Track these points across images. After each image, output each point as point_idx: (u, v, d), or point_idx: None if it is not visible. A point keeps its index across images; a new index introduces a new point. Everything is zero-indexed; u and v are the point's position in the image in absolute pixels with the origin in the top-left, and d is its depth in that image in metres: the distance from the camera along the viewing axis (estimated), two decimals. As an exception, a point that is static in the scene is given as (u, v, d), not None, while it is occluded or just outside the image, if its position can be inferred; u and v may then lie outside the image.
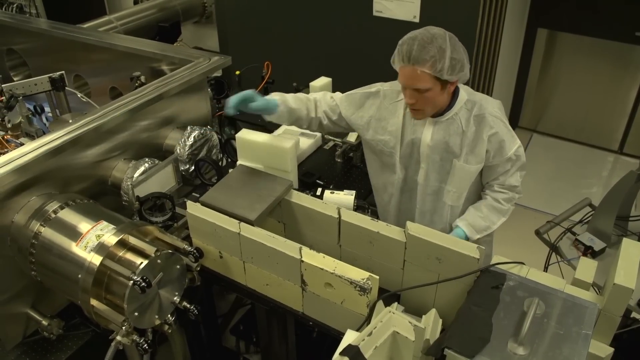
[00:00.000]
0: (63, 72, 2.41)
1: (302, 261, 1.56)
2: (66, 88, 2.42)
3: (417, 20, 3.19)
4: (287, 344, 1.98)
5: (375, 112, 2.04)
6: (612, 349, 1.39)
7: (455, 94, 1.93)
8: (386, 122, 2.02)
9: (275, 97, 2.02)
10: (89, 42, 2.67)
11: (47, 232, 1.65)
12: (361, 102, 2.07)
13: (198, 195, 2.10)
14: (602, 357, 1.38)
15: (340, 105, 2.09)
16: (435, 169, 2.01)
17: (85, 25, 3.45)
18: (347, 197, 1.99)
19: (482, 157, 1.94)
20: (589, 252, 2.23)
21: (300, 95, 2.10)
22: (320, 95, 2.12)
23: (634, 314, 2.06)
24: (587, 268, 1.51)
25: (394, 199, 2.16)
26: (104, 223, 1.63)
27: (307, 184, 2.30)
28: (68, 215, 1.69)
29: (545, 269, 2.34)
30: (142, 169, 1.97)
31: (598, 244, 2.23)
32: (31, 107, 2.44)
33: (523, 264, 1.53)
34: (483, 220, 2.02)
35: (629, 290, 1.31)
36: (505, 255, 1.57)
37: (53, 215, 1.68)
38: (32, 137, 2.32)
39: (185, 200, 1.98)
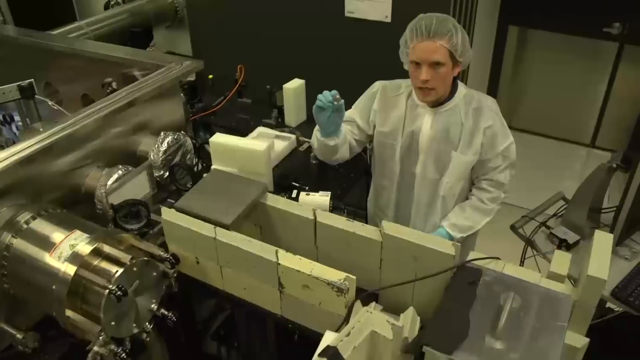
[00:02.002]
0: (32, 80, 2.36)
1: (279, 264, 1.55)
2: (36, 96, 2.37)
3: (388, 20, 3.21)
4: (267, 347, 1.97)
5: (379, 105, 2.11)
6: (587, 339, 1.41)
7: (454, 86, 2.02)
8: (388, 115, 2.10)
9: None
10: (58, 49, 2.63)
11: (19, 244, 1.62)
12: (368, 104, 2.14)
13: (173, 201, 2.07)
14: (578, 347, 1.40)
15: (356, 119, 2.15)
16: (432, 160, 2.07)
17: (55, 32, 3.39)
18: (322, 198, 1.99)
19: (477, 148, 2.01)
20: (563, 245, 2.26)
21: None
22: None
23: (608, 304, 2.10)
24: (561, 261, 1.53)
25: (393, 193, 2.21)
26: (77, 232, 1.60)
27: (283, 186, 2.29)
28: (40, 226, 1.66)
29: (522, 263, 2.37)
30: (115, 176, 1.95)
31: (572, 237, 2.27)
32: (0, 117, 2.39)
33: (498, 259, 1.55)
34: (467, 220, 2.06)
35: (602, 282, 1.33)
36: (482, 250, 1.59)
37: (25, 226, 1.65)
38: (1, 147, 2.27)
39: (161, 206, 1.96)
